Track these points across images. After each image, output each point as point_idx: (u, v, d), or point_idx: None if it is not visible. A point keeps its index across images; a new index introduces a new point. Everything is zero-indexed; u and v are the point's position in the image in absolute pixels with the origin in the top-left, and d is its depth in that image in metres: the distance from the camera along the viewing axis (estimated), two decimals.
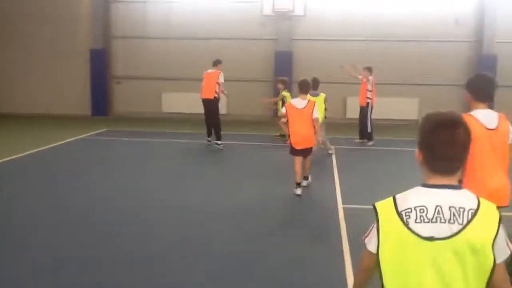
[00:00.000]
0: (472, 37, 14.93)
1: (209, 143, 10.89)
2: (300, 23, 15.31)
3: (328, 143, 9.95)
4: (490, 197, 2.10)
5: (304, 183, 7.16)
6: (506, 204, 3.50)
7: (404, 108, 15.21)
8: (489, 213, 1.76)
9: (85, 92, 16.29)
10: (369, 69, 11.46)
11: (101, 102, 16.26)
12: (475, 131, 2.35)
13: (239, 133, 12.75)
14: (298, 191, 6.79)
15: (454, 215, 1.75)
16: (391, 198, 1.86)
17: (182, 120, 15.36)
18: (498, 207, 1.80)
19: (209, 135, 10.91)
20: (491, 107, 3.74)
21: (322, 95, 9.54)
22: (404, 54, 15.07)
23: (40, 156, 9.57)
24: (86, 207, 6.25)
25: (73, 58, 16.29)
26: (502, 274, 1.79)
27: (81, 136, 11.84)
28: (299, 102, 6.85)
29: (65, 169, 8.51)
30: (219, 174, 8.36)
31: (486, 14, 14.51)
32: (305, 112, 6.74)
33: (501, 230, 1.75)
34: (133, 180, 7.73)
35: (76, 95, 16.42)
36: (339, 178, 7.95)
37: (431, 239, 1.74)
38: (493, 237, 1.72)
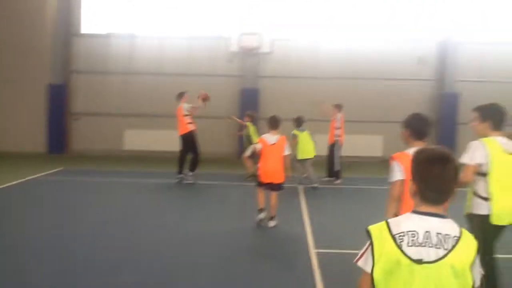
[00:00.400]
0: (435, 75, 15.24)
1: (178, 178, 10.61)
2: (266, 60, 15.26)
3: (313, 177, 10.00)
4: None
5: (271, 223, 7.05)
6: None
7: (369, 145, 15.22)
8: (469, 241, 2.02)
9: (42, 128, 15.54)
10: (338, 107, 11.36)
11: (58, 139, 15.52)
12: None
13: (205, 172, 12.29)
14: (262, 215, 7.02)
15: (440, 241, 1.99)
16: (384, 222, 2.07)
17: (145, 158, 14.79)
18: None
19: (180, 171, 10.66)
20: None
21: (306, 132, 10.14)
22: (369, 92, 15.19)
23: None
24: (30, 258, 5.61)
25: (30, 92, 15.61)
26: None
27: (35, 176, 11.07)
28: (270, 138, 7.01)
29: (13, 213, 7.79)
30: (184, 214, 7.84)
31: (448, 53, 14.88)
32: (276, 147, 6.91)
33: (477, 256, 2.03)
34: (90, 225, 7.13)
35: (32, 132, 15.63)
36: (310, 219, 7.58)
37: (420, 262, 1.97)
38: (471, 261, 2.00)
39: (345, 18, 15.35)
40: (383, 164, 14.55)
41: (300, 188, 9.77)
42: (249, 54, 14.78)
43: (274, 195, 7.03)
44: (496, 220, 3.88)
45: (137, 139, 15.49)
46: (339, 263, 5.66)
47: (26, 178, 10.76)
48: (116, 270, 5.24)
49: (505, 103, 13.81)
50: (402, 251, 1.98)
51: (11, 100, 15.64)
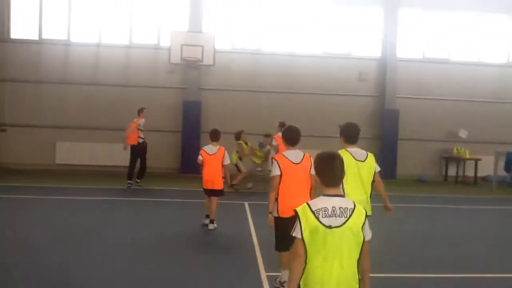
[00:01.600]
0: (375, 92, 15.54)
1: (129, 184, 11.55)
2: (208, 73, 14.91)
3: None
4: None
5: (211, 226, 7.63)
6: None
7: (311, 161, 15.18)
8: (360, 210, 2.99)
9: None
10: (282, 125, 11.03)
11: None
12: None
13: (146, 188, 11.71)
14: (206, 221, 7.80)
15: (342, 212, 2.94)
16: (305, 204, 2.99)
17: (78, 172, 13.90)
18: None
19: (129, 178, 11.66)
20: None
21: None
22: (311, 106, 15.20)
23: None
24: None
25: None
26: (366, 247, 3.00)
27: None
28: (210, 149, 7.77)
29: None
30: (125, 233, 7.26)
31: (388, 70, 15.24)
32: (215, 158, 7.69)
33: (366, 220, 2.98)
34: (24, 243, 6.41)
35: None
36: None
37: (330, 227, 2.91)
38: (362, 224, 2.96)
39: (287, 31, 15.36)
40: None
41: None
42: (191, 66, 14.36)
43: (214, 200, 7.69)
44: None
45: (70, 153, 14.55)
46: None
47: None
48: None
49: (443, 119, 14.37)
50: (319, 221, 2.93)
51: None
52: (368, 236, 2.99)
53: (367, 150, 5.10)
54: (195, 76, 14.78)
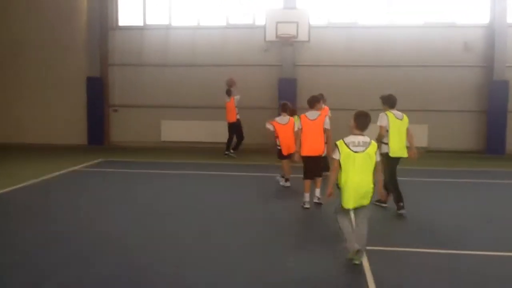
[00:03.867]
0: (482, 62, 14.45)
1: (226, 154, 13.12)
2: (303, 49, 14.86)
3: None
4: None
5: (288, 183, 9.16)
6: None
7: (413, 135, 14.57)
8: (373, 144, 5.13)
9: (81, 121, 15.70)
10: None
11: (97, 131, 15.66)
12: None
13: (240, 163, 12.13)
14: (284, 182, 9.18)
15: (363, 144, 5.06)
16: (342, 140, 5.11)
17: (181, 149, 14.74)
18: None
19: (227, 149, 13.15)
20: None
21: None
22: (412, 80, 14.57)
23: (32, 189, 8.89)
24: (82, 246, 5.56)
25: (70, 86, 15.77)
26: (378, 164, 5.18)
27: (76, 168, 11.18)
28: (282, 119, 9.07)
29: (57, 205, 7.82)
30: (222, 207, 7.67)
31: (496, 39, 14.06)
32: (287, 127, 8.93)
33: (377, 149, 5.16)
34: (134, 216, 7.06)
35: (72, 124, 15.83)
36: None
37: (356, 152, 5.03)
38: (375, 151, 5.10)
39: (383, 2, 14.75)
40: (429, 154, 14.06)
41: None
42: (286, 43, 14.41)
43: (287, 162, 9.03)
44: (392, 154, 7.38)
45: (174, 131, 15.46)
46: (388, 260, 5.37)
47: (70, 169, 10.89)
48: (162, 260, 5.11)
49: None
50: (350, 148, 5.05)
51: (52, 94, 15.85)
52: (378, 158, 5.16)
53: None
54: (290, 53, 14.82)
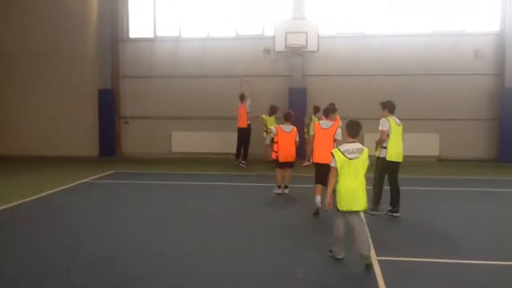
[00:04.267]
0: (494, 70, 14.37)
1: (237, 163, 13.17)
2: (312, 59, 14.91)
3: None
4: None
5: (286, 191, 9.41)
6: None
7: (424, 144, 14.52)
8: (365, 150, 5.47)
9: (93, 133, 15.86)
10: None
11: (109, 143, 15.80)
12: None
13: (249, 174, 12.14)
14: (279, 190, 9.37)
15: (357, 151, 5.43)
16: (337, 148, 5.53)
17: (192, 160, 14.79)
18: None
19: (238, 157, 13.21)
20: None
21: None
22: (422, 88, 14.55)
23: (43, 201, 8.96)
24: (91, 254, 5.59)
25: (81, 98, 15.96)
26: (367, 168, 5.52)
27: (87, 179, 11.26)
28: (286, 128, 9.22)
29: (67, 217, 7.87)
30: (234, 216, 7.66)
31: (507, 46, 13.99)
32: (290, 135, 9.18)
33: (368, 155, 5.48)
34: (144, 228, 7.08)
35: (84, 136, 15.99)
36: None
37: (351, 159, 5.39)
38: (367, 157, 5.46)
39: (391, 11, 14.77)
40: (441, 163, 13.96)
41: None
42: (296, 53, 14.46)
43: (288, 171, 9.33)
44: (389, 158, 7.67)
45: (184, 142, 15.54)
46: (401, 270, 5.32)
47: (81, 181, 10.97)
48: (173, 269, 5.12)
49: None
50: (345, 156, 5.38)
51: (64, 106, 16.05)
52: (368, 162, 5.51)
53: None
54: (299, 63, 14.87)
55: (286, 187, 9.40)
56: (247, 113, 12.91)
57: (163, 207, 8.64)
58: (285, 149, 9.09)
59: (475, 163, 14.02)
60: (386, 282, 4.90)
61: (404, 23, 14.73)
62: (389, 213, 7.69)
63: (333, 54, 14.81)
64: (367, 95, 14.36)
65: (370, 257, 5.36)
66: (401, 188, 7.96)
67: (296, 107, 14.25)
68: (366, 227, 5.50)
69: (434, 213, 8.08)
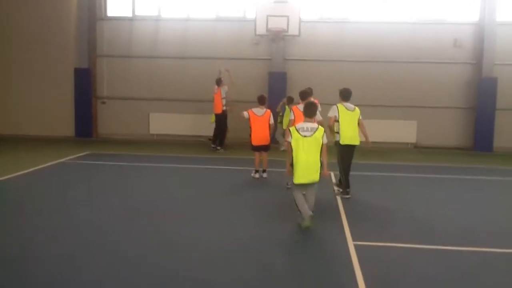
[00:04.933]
0: (472, 59, 14.53)
1: (213, 147, 13.10)
2: (293, 44, 14.82)
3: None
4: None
5: (264, 175, 9.39)
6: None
7: (402, 131, 14.68)
8: (320, 129, 6.13)
9: (69, 113, 15.52)
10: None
11: (85, 123, 15.50)
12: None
13: (227, 157, 12.08)
14: (254, 174, 9.44)
15: (312, 129, 6.08)
16: (294, 126, 6.24)
17: (170, 142, 14.63)
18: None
19: (213, 142, 13.13)
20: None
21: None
22: (401, 76, 14.65)
23: (14, 182, 8.75)
24: (52, 239, 5.47)
25: (57, 77, 15.58)
26: (324, 148, 6.14)
27: (62, 160, 11.04)
28: (258, 111, 9.35)
29: (37, 198, 7.70)
30: (210, 203, 7.61)
31: (486, 36, 14.14)
32: (263, 119, 9.29)
33: (324, 134, 6.15)
34: (119, 209, 6.98)
35: (60, 116, 15.65)
36: (344, 209, 7.28)
37: (305, 136, 6.05)
38: (322, 135, 6.11)
39: None
40: (417, 150, 14.14)
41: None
42: (277, 37, 14.34)
43: (264, 154, 9.38)
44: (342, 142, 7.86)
45: (163, 123, 15.35)
46: (377, 255, 5.36)
47: (55, 161, 10.75)
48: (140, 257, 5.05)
49: None
50: (299, 133, 6.05)
51: (40, 85, 15.64)
52: (325, 141, 6.13)
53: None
54: (280, 47, 14.77)
55: (264, 171, 9.42)
56: (222, 98, 12.72)
57: (136, 189, 8.52)
58: (258, 133, 9.17)
59: (451, 150, 14.25)
60: (361, 266, 4.93)
61: (388, 10, 14.72)
62: (341, 195, 7.98)
63: (315, 39, 14.75)
64: (348, 81, 14.18)
65: (311, 217, 6.06)
66: (377, 174, 8.02)
67: (276, 91, 14.24)
68: (314, 196, 6.30)
69: (410, 199, 8.18)
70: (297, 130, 6.05)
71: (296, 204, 6.16)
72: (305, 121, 6.22)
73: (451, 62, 14.54)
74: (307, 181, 6.06)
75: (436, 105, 14.64)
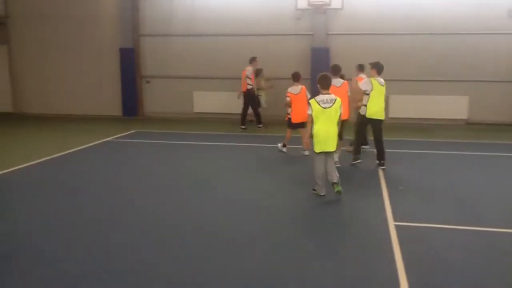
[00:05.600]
0: None
1: (242, 129, 12.88)
2: (336, 17, 14.40)
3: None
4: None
5: (306, 152, 9.30)
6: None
7: (453, 107, 14.06)
8: (338, 100, 6.51)
9: (116, 93, 15.90)
10: (360, 67, 10.14)
11: (131, 102, 15.85)
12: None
13: (274, 135, 12.04)
14: (282, 147, 9.81)
15: (330, 100, 6.46)
16: (314, 99, 6.51)
17: (214, 120, 14.75)
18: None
19: (242, 123, 13.00)
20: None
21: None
22: (451, 48, 13.94)
23: (66, 159, 9.12)
24: (107, 215, 5.66)
25: (103, 57, 15.94)
26: (340, 118, 6.67)
27: (109, 138, 11.38)
28: (295, 89, 9.48)
29: (90, 175, 7.98)
30: (253, 177, 7.63)
31: None
32: (300, 96, 9.36)
33: (340, 105, 6.54)
34: (165, 185, 7.13)
35: (107, 96, 16.07)
36: (387, 189, 7.11)
37: (326, 108, 6.43)
38: (339, 106, 6.51)
39: None
40: (469, 127, 13.54)
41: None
42: (318, 11, 13.97)
43: (303, 131, 9.07)
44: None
45: (206, 102, 15.44)
46: (418, 236, 5.21)
47: (103, 140, 11.10)
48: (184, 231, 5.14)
49: None
50: (320, 106, 6.41)
51: (86, 66, 16.07)
52: (341, 112, 6.55)
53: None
54: (322, 22, 14.41)
55: (285, 145, 9.79)
56: (247, 76, 12.66)
57: (179, 166, 8.66)
58: (298, 110, 9.28)
59: (505, 127, 13.55)
60: (401, 246, 4.82)
61: None
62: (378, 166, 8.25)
63: (357, 12, 14.26)
64: (391, 55, 13.85)
65: (338, 183, 6.44)
66: (424, 151, 7.76)
67: (319, 67, 13.93)
68: (334, 163, 6.73)
69: (457, 178, 7.87)
70: (317, 103, 6.38)
71: (315, 173, 6.57)
72: (322, 93, 6.47)
73: (506, 32, 13.69)
74: (328, 149, 6.45)
75: (489, 79, 13.89)
